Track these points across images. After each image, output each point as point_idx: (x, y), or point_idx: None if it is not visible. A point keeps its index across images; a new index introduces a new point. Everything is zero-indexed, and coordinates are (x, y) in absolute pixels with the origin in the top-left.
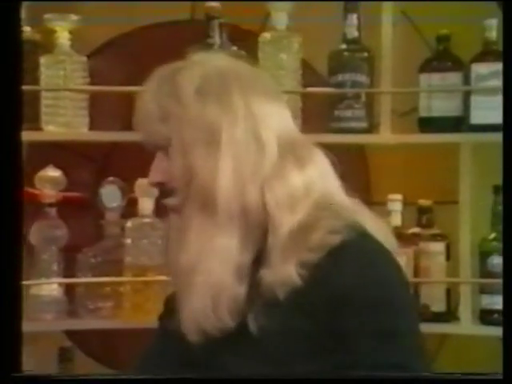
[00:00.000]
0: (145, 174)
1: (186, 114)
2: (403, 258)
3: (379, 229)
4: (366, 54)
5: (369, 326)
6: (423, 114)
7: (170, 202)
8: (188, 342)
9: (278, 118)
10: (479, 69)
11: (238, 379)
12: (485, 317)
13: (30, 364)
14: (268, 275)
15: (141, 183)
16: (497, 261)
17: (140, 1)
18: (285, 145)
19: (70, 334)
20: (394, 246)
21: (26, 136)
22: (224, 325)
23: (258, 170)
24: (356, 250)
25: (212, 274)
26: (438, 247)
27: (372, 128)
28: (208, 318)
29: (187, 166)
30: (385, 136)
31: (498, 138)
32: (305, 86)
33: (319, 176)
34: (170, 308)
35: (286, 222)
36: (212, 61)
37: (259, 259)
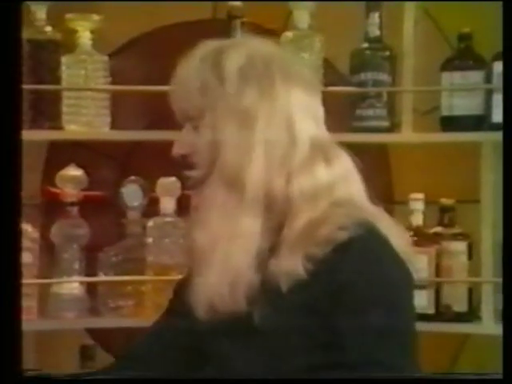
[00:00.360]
0: (166, 173)
1: (226, 91)
2: (425, 258)
3: (395, 234)
4: (387, 53)
5: (362, 323)
6: (445, 112)
7: (193, 173)
8: (192, 325)
9: (313, 113)
10: (501, 67)
11: (238, 379)
12: None
13: (51, 362)
14: (274, 266)
15: (162, 182)
16: None
17: (162, 0)
18: (316, 141)
19: (92, 332)
20: (408, 253)
21: (48, 135)
22: (237, 308)
23: (287, 161)
24: (362, 247)
25: (233, 255)
26: (460, 246)
27: (394, 127)
28: (223, 299)
29: (215, 142)
30: (406, 135)
31: None
32: (326, 85)
33: (344, 178)
34: (180, 292)
35: (304, 216)
36: (258, 45)
37: (271, 249)
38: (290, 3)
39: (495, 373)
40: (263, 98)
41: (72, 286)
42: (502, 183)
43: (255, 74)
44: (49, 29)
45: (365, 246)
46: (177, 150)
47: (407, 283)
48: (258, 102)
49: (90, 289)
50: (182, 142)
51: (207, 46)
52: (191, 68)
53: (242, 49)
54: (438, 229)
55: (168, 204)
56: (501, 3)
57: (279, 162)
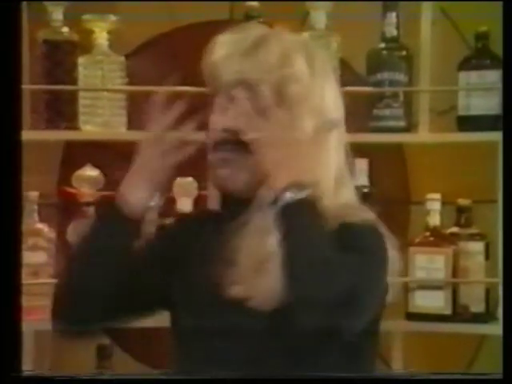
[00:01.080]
0: (182, 173)
1: (313, 87)
2: (442, 258)
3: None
4: (404, 53)
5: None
6: (462, 112)
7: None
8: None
9: None
10: None
11: (238, 379)
12: None
13: (68, 361)
14: None
15: (179, 182)
16: None
17: (179, 0)
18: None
19: (109, 331)
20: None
21: (64, 135)
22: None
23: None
24: (371, 228)
25: None
26: (477, 247)
27: (410, 127)
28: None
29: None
30: (423, 135)
31: None
32: (343, 85)
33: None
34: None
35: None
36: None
37: None
38: (307, 3)
39: (495, 373)
40: (338, 103)
41: None
42: (502, 183)
43: (334, 78)
44: (65, 29)
45: (375, 229)
46: (226, 124)
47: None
48: (335, 108)
49: None
50: (231, 115)
51: (297, 37)
52: (293, 49)
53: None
54: (455, 229)
55: (185, 204)
56: None
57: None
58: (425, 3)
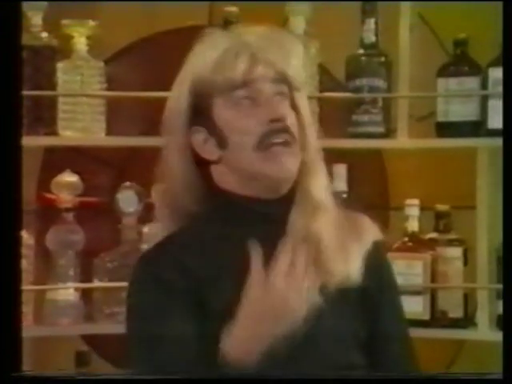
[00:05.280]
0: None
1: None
2: (420, 263)
3: None
4: (383, 59)
5: None
6: (440, 118)
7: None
8: None
9: None
10: (497, 73)
11: (238, 379)
12: None
13: (47, 368)
14: None
15: (158, 188)
16: None
17: (158, 1)
18: None
19: (87, 338)
20: None
21: (44, 141)
22: None
23: None
24: None
25: None
26: (456, 252)
27: (389, 133)
28: None
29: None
30: (402, 141)
31: None
32: (322, 90)
33: None
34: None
35: None
36: None
37: None
38: (287, 7)
39: (495, 373)
40: None
41: (67, 292)
42: (503, 184)
43: None
44: (45, 35)
45: None
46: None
47: None
48: None
49: (86, 295)
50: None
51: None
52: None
53: None
54: (434, 235)
55: None
56: (497, 10)
57: None
58: (403, 9)
